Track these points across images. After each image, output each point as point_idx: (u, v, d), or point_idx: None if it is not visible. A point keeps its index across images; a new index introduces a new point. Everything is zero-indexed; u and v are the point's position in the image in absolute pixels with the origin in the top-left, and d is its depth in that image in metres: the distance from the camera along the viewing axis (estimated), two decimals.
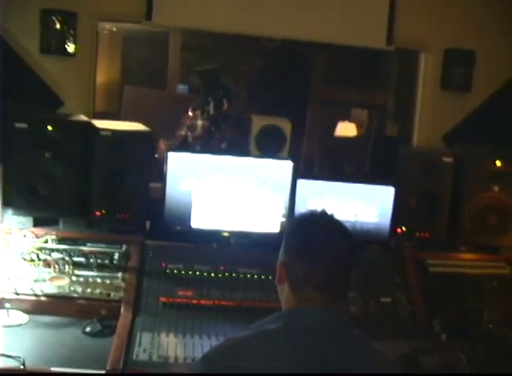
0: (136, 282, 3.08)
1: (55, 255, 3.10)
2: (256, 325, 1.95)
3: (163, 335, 2.76)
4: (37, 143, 3.24)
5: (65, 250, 3.15)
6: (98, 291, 3.02)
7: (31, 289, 2.97)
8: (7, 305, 2.86)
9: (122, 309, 2.92)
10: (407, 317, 3.17)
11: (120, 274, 3.10)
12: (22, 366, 2.47)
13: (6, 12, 3.49)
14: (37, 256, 3.08)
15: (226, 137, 4.75)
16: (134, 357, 2.60)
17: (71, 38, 3.56)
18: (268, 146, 3.59)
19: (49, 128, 3.26)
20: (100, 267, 3.12)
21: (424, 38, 3.89)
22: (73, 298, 2.99)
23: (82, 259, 3.13)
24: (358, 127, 7.28)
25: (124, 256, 3.18)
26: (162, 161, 3.40)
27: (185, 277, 3.15)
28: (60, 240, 3.19)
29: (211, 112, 4.36)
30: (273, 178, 3.42)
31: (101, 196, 3.32)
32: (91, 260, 3.12)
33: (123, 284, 3.06)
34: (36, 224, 3.31)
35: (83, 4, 3.57)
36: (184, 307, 2.99)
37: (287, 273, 1.96)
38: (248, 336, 1.89)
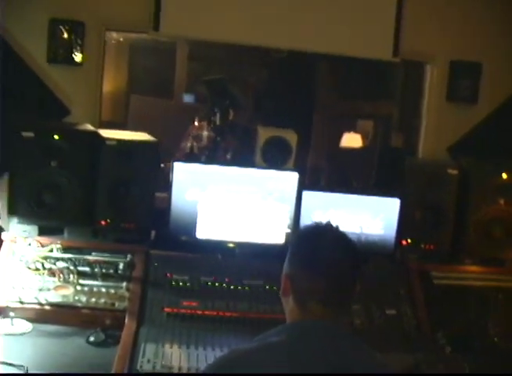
0: (141, 292, 3.07)
1: (60, 264, 3.10)
2: (260, 338, 1.94)
3: (167, 346, 2.75)
4: (43, 152, 3.25)
5: (70, 259, 3.15)
6: (102, 300, 3.01)
7: (36, 298, 2.97)
8: (11, 313, 2.86)
9: (126, 319, 2.91)
10: (412, 329, 3.15)
11: (124, 284, 3.09)
12: None
13: (15, 22, 3.51)
14: (42, 265, 3.08)
15: (231, 147, 4.75)
16: (138, 367, 2.59)
17: (79, 48, 3.58)
18: (274, 158, 3.59)
19: (56, 137, 3.26)
20: (105, 277, 3.12)
21: (430, 50, 3.89)
22: (77, 307, 2.98)
23: (87, 268, 3.13)
24: (364, 138, 7.27)
25: (129, 266, 3.18)
26: (168, 171, 3.40)
27: (189, 288, 3.14)
28: (65, 249, 3.19)
29: (218, 122, 4.36)
30: (279, 189, 3.42)
31: (106, 205, 3.32)
32: (96, 269, 3.12)
33: (127, 294, 3.05)
34: (41, 233, 3.31)
35: (91, 13, 3.59)
36: (188, 318, 2.98)
37: (292, 286, 1.96)
38: (252, 348, 1.89)
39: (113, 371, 2.57)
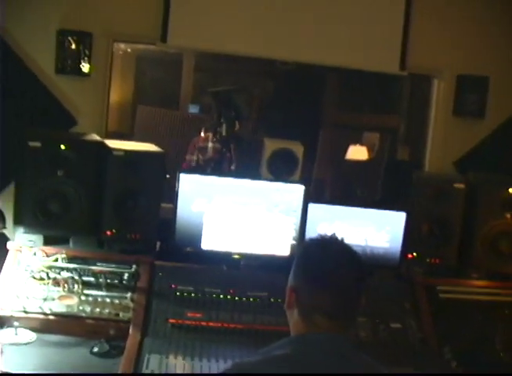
0: (145, 303, 3.06)
1: (65, 274, 3.09)
2: (264, 351, 1.93)
3: (171, 357, 2.73)
4: (49, 162, 3.25)
5: (75, 269, 3.14)
6: (106, 310, 3.00)
7: (40, 307, 2.96)
8: (15, 323, 2.85)
9: (131, 330, 2.90)
10: (417, 343, 3.13)
11: (129, 294, 3.08)
12: None
13: (23, 33, 3.53)
14: (47, 275, 3.08)
15: (235, 159, 4.75)
16: None
17: (86, 58, 3.59)
18: (280, 170, 3.59)
19: (62, 147, 3.26)
20: (109, 287, 3.11)
21: (437, 64, 3.90)
22: (81, 317, 2.98)
23: (92, 279, 3.13)
24: (370, 150, 7.27)
25: (134, 276, 3.18)
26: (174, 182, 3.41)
27: (194, 299, 3.13)
28: (70, 259, 3.19)
29: (224, 133, 4.36)
30: (284, 201, 3.42)
31: (112, 215, 3.32)
32: (101, 280, 3.12)
33: (132, 305, 3.04)
34: (46, 242, 3.31)
35: (99, 25, 3.60)
36: (193, 329, 2.97)
37: (297, 299, 1.95)
38: (256, 361, 1.88)
39: None
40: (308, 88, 7.85)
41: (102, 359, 2.78)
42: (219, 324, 3.01)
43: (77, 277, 3.08)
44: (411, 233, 3.50)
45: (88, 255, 3.26)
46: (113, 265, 3.21)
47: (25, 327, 2.88)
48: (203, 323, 3.00)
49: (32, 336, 2.86)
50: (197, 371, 2.67)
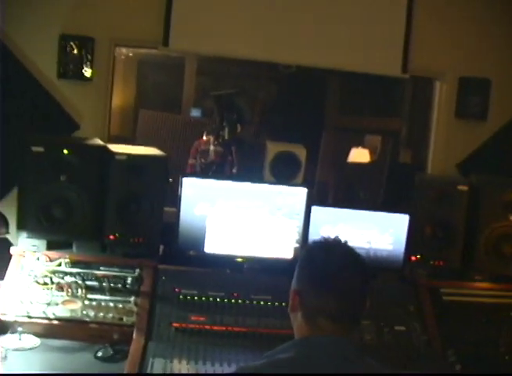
0: (149, 307, 3.06)
1: (69, 279, 3.10)
2: (268, 354, 1.93)
3: (175, 361, 2.73)
4: (52, 167, 3.25)
5: (78, 273, 3.14)
6: (110, 315, 3.00)
7: (44, 312, 2.96)
8: (19, 328, 2.85)
9: (134, 334, 2.90)
10: (421, 346, 3.12)
11: (132, 298, 3.08)
12: None
13: (25, 38, 3.54)
14: (51, 279, 3.08)
15: (236, 162, 4.76)
16: None
17: (88, 63, 3.59)
18: (283, 173, 3.59)
19: (65, 151, 3.27)
20: (113, 291, 3.11)
21: (439, 66, 3.90)
22: (85, 322, 2.98)
23: (95, 283, 3.13)
24: (372, 153, 7.27)
25: (137, 280, 3.18)
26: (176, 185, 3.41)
27: (198, 303, 3.13)
28: (74, 264, 3.19)
29: (226, 137, 4.37)
30: (287, 204, 3.42)
31: (115, 220, 3.32)
32: (104, 284, 3.12)
33: (135, 309, 3.04)
34: (50, 247, 3.31)
35: (101, 29, 3.61)
36: (197, 333, 2.96)
37: (300, 302, 1.95)
38: (260, 365, 1.88)
39: None
40: (311, 92, 7.86)
41: (107, 364, 2.78)
42: (223, 328, 3.01)
43: (80, 282, 3.08)
44: (414, 235, 3.50)
45: (92, 260, 3.26)
46: (117, 270, 3.22)
47: (29, 332, 2.88)
48: (207, 327, 3.00)
49: (36, 341, 2.86)
50: None
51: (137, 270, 3.21)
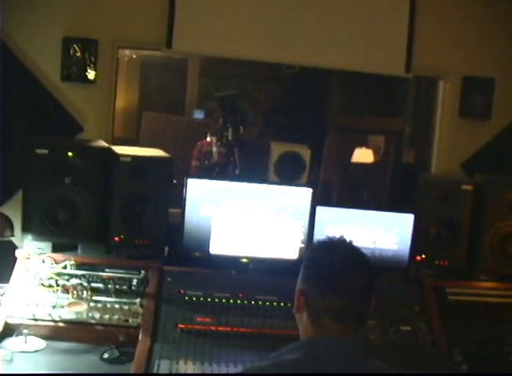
0: (154, 308, 3.06)
1: (74, 281, 3.09)
2: (274, 355, 1.92)
3: (181, 362, 2.73)
4: (57, 169, 3.26)
5: (83, 275, 3.15)
6: (116, 316, 3.00)
7: (49, 315, 2.97)
8: (25, 330, 2.85)
9: (140, 336, 2.90)
10: (427, 346, 3.12)
11: (138, 300, 3.08)
12: None
13: (29, 41, 3.55)
14: (56, 282, 3.08)
15: (238, 163, 4.75)
16: None
17: (92, 65, 3.60)
18: (287, 173, 3.59)
19: (69, 154, 3.27)
20: (118, 293, 3.11)
21: (443, 66, 3.89)
22: (91, 324, 2.98)
23: (100, 285, 3.13)
24: (375, 153, 7.27)
25: (143, 282, 3.18)
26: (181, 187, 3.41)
27: (203, 304, 3.13)
28: (79, 266, 3.18)
29: (230, 138, 4.37)
30: (292, 204, 3.41)
31: (120, 221, 3.32)
32: (110, 286, 3.12)
33: (141, 310, 3.04)
34: (55, 249, 3.32)
35: (104, 31, 3.62)
36: (202, 334, 2.96)
37: (306, 302, 1.94)
38: (265, 366, 1.88)
39: None
40: (314, 92, 7.86)
41: (113, 366, 2.78)
42: (229, 329, 3.01)
43: (85, 284, 3.08)
44: (419, 235, 3.49)
45: (97, 262, 3.27)
46: (122, 271, 3.21)
47: (35, 335, 2.89)
48: (213, 328, 3.00)
49: (42, 343, 2.87)
50: None
51: (142, 272, 3.21)
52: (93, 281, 3.13)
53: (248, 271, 3.43)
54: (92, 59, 3.59)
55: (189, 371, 2.68)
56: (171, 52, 3.74)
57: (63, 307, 3.01)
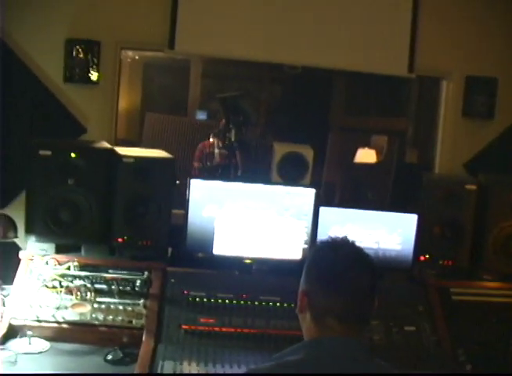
0: (158, 309, 3.06)
1: (77, 282, 3.09)
2: (277, 356, 1.92)
3: (185, 363, 2.73)
4: (60, 170, 3.26)
5: (87, 277, 3.14)
6: (120, 318, 3.00)
7: (53, 316, 2.97)
8: (29, 332, 2.85)
9: (144, 337, 2.90)
10: (431, 346, 3.12)
11: (141, 301, 3.08)
12: None
13: (32, 43, 3.55)
14: (60, 283, 3.08)
15: (240, 164, 4.75)
16: None
17: (95, 67, 3.60)
18: (290, 174, 3.59)
19: (72, 155, 3.27)
20: (122, 294, 3.11)
21: (446, 66, 3.89)
22: (94, 325, 2.98)
23: (104, 286, 3.13)
24: (378, 153, 7.28)
25: (146, 283, 3.17)
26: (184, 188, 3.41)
27: (207, 304, 3.12)
28: (82, 267, 3.18)
29: (233, 139, 4.37)
30: (295, 205, 3.41)
31: (123, 222, 3.32)
32: (113, 287, 3.12)
33: (145, 311, 3.04)
34: (58, 251, 3.32)
35: (106, 33, 3.62)
36: (206, 335, 2.96)
37: (309, 302, 1.94)
38: (269, 367, 1.87)
39: None
40: (316, 92, 7.85)
41: (117, 367, 2.78)
42: (232, 330, 3.01)
43: (89, 285, 3.08)
44: (423, 235, 3.49)
45: (100, 263, 3.26)
46: (125, 272, 3.21)
47: (38, 336, 2.89)
48: (217, 329, 3.00)
49: (46, 345, 2.86)
50: None
51: (146, 273, 3.21)
52: (97, 282, 3.13)
53: (251, 272, 3.43)
54: (95, 60, 3.60)
55: (193, 372, 2.68)
56: (173, 53, 3.74)
57: (66, 308, 3.01)
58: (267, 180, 3.62)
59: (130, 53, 6.85)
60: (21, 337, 2.86)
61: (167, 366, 2.70)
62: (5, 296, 3.04)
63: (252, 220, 3.40)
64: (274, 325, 3.06)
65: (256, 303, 3.17)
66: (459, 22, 3.84)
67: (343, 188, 6.99)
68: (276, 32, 3.74)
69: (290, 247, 3.43)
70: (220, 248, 3.40)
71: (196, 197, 3.35)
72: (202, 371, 2.70)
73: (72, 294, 3.05)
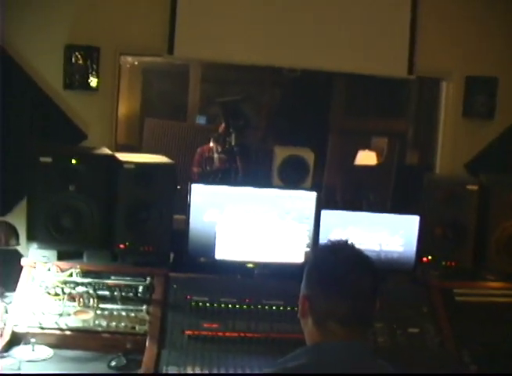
0: (161, 315, 3.05)
1: (80, 289, 3.09)
2: (280, 361, 1.91)
3: (189, 369, 2.73)
4: (61, 177, 3.25)
5: (89, 283, 3.14)
6: (123, 324, 3.00)
7: (56, 323, 2.96)
8: (32, 339, 2.85)
9: (147, 343, 2.89)
10: (435, 348, 3.11)
11: (144, 307, 3.07)
12: None
13: (31, 49, 3.55)
14: (62, 290, 3.07)
15: (241, 169, 4.75)
16: None
17: (94, 73, 3.60)
18: (291, 177, 3.58)
19: (73, 161, 3.27)
20: (124, 300, 3.11)
21: (445, 66, 3.89)
22: (97, 331, 2.97)
23: (106, 292, 3.12)
24: (379, 155, 7.27)
25: (149, 289, 3.17)
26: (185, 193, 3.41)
27: (209, 309, 3.12)
28: (84, 274, 3.18)
29: (233, 143, 4.37)
30: (296, 208, 3.41)
31: (125, 228, 3.32)
32: (116, 293, 3.11)
33: (147, 317, 3.03)
34: (60, 257, 3.31)
35: (106, 39, 3.62)
36: (209, 340, 2.96)
37: (310, 307, 1.93)
38: (272, 373, 1.87)
39: None
40: (316, 95, 7.84)
41: (121, 373, 2.77)
42: (236, 334, 3.00)
43: (92, 291, 3.08)
44: (425, 236, 3.49)
45: (102, 269, 3.26)
46: (128, 278, 3.21)
47: (42, 344, 2.88)
48: (220, 334, 2.99)
49: (49, 352, 2.86)
50: None
51: (148, 279, 3.20)
52: (99, 289, 3.13)
53: (254, 276, 3.43)
54: (94, 66, 3.60)
55: None
56: (172, 58, 3.75)
57: (69, 315, 3.00)
58: (268, 184, 3.61)
59: (129, 59, 6.84)
60: (25, 344, 2.86)
61: (171, 372, 2.69)
62: (7, 303, 3.04)
63: (253, 224, 3.40)
64: (277, 329, 3.06)
65: (259, 307, 3.16)
66: (459, 22, 3.84)
67: (344, 190, 6.97)
68: (276, 37, 3.74)
69: (292, 251, 3.43)
70: (222, 253, 3.39)
71: (197, 201, 3.35)
72: None
73: (75, 301, 3.05)
